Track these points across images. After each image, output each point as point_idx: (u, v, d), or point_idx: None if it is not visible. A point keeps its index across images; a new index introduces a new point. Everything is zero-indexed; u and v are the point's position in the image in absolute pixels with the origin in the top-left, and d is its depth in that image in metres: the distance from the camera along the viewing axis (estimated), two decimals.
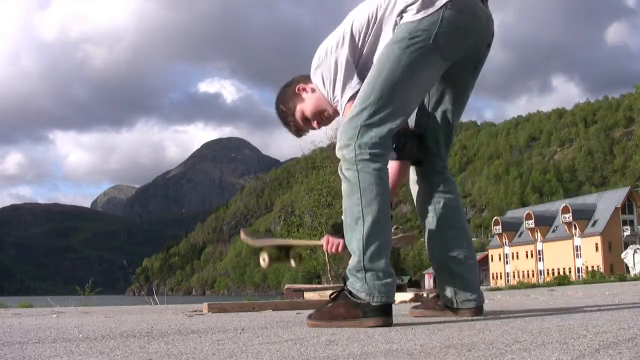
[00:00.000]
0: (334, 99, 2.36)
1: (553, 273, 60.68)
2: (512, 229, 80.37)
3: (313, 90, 2.48)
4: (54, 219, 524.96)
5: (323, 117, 2.51)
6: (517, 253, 78.59)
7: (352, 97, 2.29)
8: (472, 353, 1.36)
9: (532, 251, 76.29)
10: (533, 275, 70.72)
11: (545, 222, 75.36)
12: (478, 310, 2.43)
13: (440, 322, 2.19)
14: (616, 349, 1.34)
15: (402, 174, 2.50)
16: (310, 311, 2.28)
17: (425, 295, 5.01)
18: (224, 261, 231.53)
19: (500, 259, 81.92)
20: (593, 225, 69.23)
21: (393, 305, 2.17)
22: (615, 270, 44.77)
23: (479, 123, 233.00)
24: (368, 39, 2.31)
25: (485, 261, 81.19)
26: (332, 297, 2.21)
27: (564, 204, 73.98)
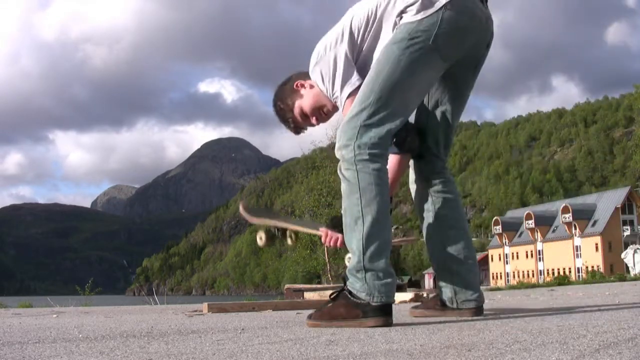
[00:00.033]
0: (333, 95, 2.36)
1: (553, 273, 60.68)
2: (512, 229, 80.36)
3: (311, 87, 2.48)
4: (54, 219, 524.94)
5: (322, 112, 2.51)
6: (517, 253, 78.58)
7: (352, 94, 2.29)
8: (472, 353, 1.36)
9: (532, 251, 76.29)
10: (533, 275, 70.71)
11: (545, 222, 75.36)
12: (478, 310, 2.43)
13: (440, 322, 2.19)
14: (616, 349, 1.34)
15: (403, 168, 2.50)
16: (310, 311, 2.27)
17: (425, 295, 5.00)
18: (224, 261, 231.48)
19: (500, 259, 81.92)
20: (593, 225, 69.22)
21: (393, 305, 2.17)
22: (615, 270, 44.74)
23: (479, 123, 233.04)
24: (367, 36, 2.31)
25: (485, 261, 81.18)
26: (332, 297, 2.21)
27: (564, 204, 73.99)
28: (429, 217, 2.47)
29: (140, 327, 2.32)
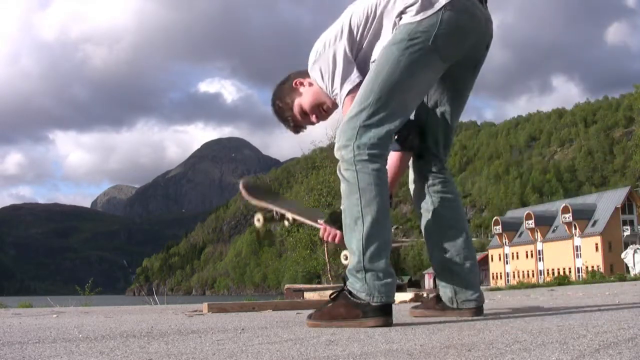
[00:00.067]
0: (332, 92, 2.35)
1: (553, 273, 60.67)
2: (512, 229, 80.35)
3: (310, 84, 2.47)
4: (54, 219, 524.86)
5: (322, 110, 2.50)
6: (517, 253, 78.57)
7: (352, 91, 2.28)
8: (472, 353, 1.36)
9: (532, 251, 76.27)
10: (533, 275, 70.70)
11: (545, 222, 75.34)
12: (478, 310, 2.43)
13: (440, 322, 2.19)
14: (616, 349, 1.34)
15: (403, 166, 2.50)
16: (310, 311, 2.27)
17: (425, 295, 5.00)
18: (224, 261, 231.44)
19: (500, 259, 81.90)
20: (593, 225, 69.22)
21: (393, 305, 2.17)
22: (615, 270, 44.74)
23: (479, 123, 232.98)
24: (367, 33, 2.31)
25: (485, 261, 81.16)
26: (332, 297, 2.20)
27: (564, 204, 73.97)
28: (428, 217, 2.47)
29: (140, 327, 2.32)
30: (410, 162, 2.56)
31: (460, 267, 2.41)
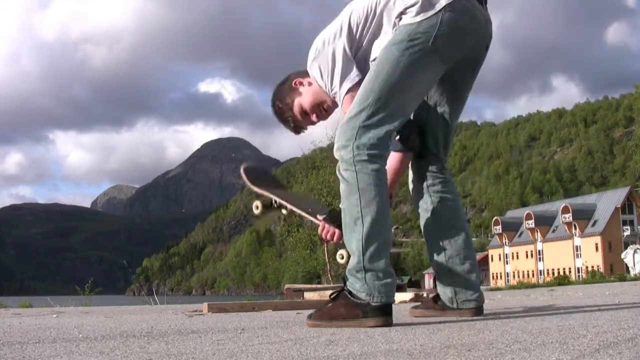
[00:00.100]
0: (332, 91, 2.35)
1: (553, 273, 60.67)
2: (512, 229, 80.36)
3: (310, 84, 2.47)
4: (54, 219, 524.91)
5: (322, 109, 2.49)
6: (517, 253, 78.57)
7: (351, 89, 2.28)
8: (472, 353, 1.36)
9: (532, 251, 76.28)
10: (533, 275, 70.71)
11: (545, 222, 75.35)
12: (478, 310, 2.43)
13: (440, 322, 2.19)
14: (616, 349, 1.34)
15: (404, 166, 2.50)
16: (310, 311, 2.27)
17: (425, 295, 5.00)
18: (224, 261, 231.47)
19: (500, 259, 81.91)
20: (593, 225, 69.22)
21: (393, 305, 2.17)
22: (615, 270, 44.74)
23: (479, 123, 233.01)
24: (367, 31, 2.31)
25: (485, 261, 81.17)
26: (332, 297, 2.20)
27: (564, 204, 73.98)
28: (428, 217, 2.47)
29: (140, 327, 2.32)
30: (410, 162, 2.56)
31: (460, 267, 2.41)
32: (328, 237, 2.44)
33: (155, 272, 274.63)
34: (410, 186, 2.59)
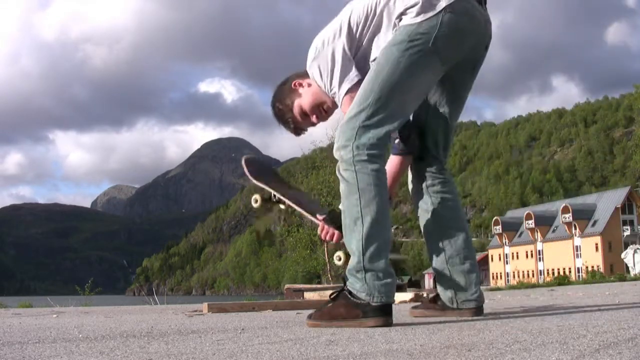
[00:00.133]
0: (331, 91, 2.35)
1: (553, 273, 60.68)
2: (512, 229, 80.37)
3: (309, 85, 2.46)
4: (54, 219, 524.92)
5: (322, 110, 2.49)
6: (517, 253, 78.58)
7: (351, 90, 2.28)
8: (472, 353, 1.36)
9: (532, 251, 76.29)
10: (533, 275, 70.72)
11: (545, 222, 75.37)
12: (478, 310, 2.43)
13: (440, 322, 2.20)
14: (616, 349, 1.34)
15: (403, 169, 2.49)
16: (310, 311, 2.27)
17: (425, 295, 5.00)
18: (224, 261, 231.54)
19: (500, 259, 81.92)
20: (593, 225, 69.24)
21: (393, 305, 2.17)
22: (615, 270, 44.75)
23: (479, 123, 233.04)
24: (367, 31, 2.30)
25: (485, 261, 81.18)
26: (332, 297, 2.21)
27: (564, 204, 74.00)
28: (428, 217, 2.48)
29: (140, 327, 2.32)
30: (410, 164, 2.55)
31: (460, 267, 2.41)
32: (327, 238, 2.43)
33: (155, 272, 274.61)
34: (410, 187, 2.59)
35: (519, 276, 70.13)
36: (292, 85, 2.50)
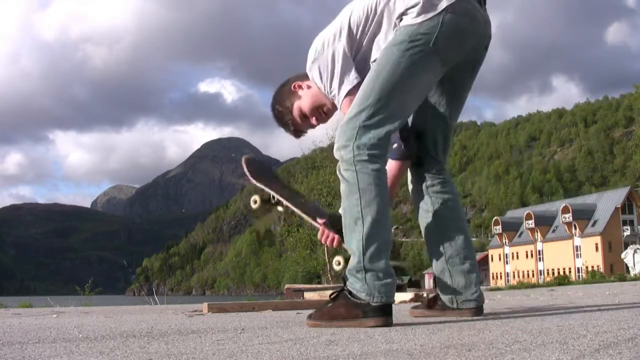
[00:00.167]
0: (331, 93, 2.35)
1: (553, 273, 60.68)
2: (512, 229, 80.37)
3: (309, 87, 2.46)
4: (54, 219, 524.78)
5: (322, 112, 2.49)
6: (517, 253, 78.58)
7: (350, 92, 2.28)
8: (472, 353, 1.36)
9: (532, 251, 76.29)
10: (533, 275, 70.72)
11: (545, 222, 75.36)
12: (478, 310, 2.43)
13: (440, 322, 2.20)
14: (616, 349, 1.34)
15: (401, 174, 2.49)
16: (310, 311, 2.27)
17: (425, 295, 5.00)
18: (224, 261, 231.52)
19: (500, 259, 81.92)
20: (593, 225, 69.24)
21: (393, 305, 2.17)
22: (615, 270, 44.75)
23: (479, 123, 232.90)
24: (367, 32, 2.30)
25: (485, 261, 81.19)
26: (332, 297, 2.21)
27: (564, 204, 74.00)
28: (428, 217, 2.47)
29: (140, 327, 2.32)
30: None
31: (460, 267, 2.41)
32: (328, 242, 2.42)
33: (155, 272, 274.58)
34: (410, 187, 2.59)
35: (519, 276, 70.12)
36: (292, 87, 2.49)
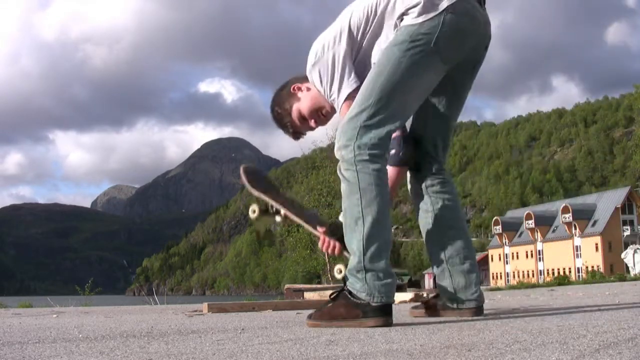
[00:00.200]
0: (330, 97, 2.35)
1: (553, 273, 60.67)
2: (512, 229, 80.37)
3: (308, 89, 2.46)
4: (54, 219, 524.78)
5: (321, 114, 2.49)
6: (517, 253, 78.58)
7: (350, 96, 2.28)
8: (472, 353, 1.36)
9: (532, 251, 76.28)
10: (533, 275, 70.71)
11: (545, 222, 75.36)
12: (478, 310, 2.43)
13: (440, 322, 2.20)
14: (616, 349, 1.34)
15: (400, 179, 2.49)
16: (310, 311, 2.27)
17: (425, 295, 5.00)
18: (224, 261, 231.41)
19: (500, 259, 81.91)
20: (593, 225, 69.24)
21: (393, 305, 2.17)
22: (615, 270, 44.75)
23: (479, 123, 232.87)
24: (367, 33, 2.30)
25: (485, 261, 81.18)
26: (332, 297, 2.21)
27: (564, 204, 74.00)
28: (428, 217, 2.47)
29: (140, 327, 2.32)
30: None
31: (460, 267, 2.41)
32: (329, 251, 2.42)
33: (155, 272, 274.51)
34: (409, 187, 2.59)
35: (519, 276, 70.11)
36: (291, 89, 2.49)
